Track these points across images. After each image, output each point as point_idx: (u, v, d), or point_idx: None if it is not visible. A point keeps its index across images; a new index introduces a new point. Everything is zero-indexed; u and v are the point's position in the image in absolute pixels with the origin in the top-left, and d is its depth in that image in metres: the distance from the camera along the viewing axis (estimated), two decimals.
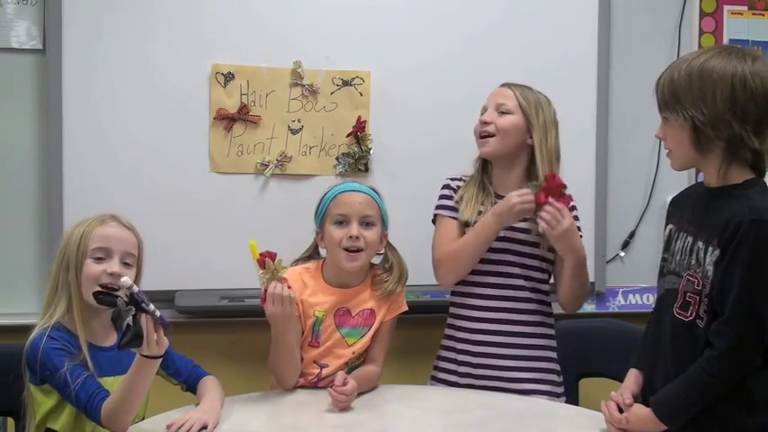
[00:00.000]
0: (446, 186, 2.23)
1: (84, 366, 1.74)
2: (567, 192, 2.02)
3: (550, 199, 1.99)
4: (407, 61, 2.60)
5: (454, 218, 2.17)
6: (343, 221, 2.02)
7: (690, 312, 1.63)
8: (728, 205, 1.60)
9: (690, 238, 1.67)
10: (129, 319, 1.59)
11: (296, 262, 2.12)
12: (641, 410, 1.68)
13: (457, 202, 2.17)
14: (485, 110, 2.16)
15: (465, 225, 2.14)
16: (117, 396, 1.68)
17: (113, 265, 1.80)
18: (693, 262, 1.64)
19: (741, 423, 1.59)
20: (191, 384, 1.90)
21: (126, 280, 1.62)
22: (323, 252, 2.12)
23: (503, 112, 2.11)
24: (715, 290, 1.58)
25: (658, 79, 1.69)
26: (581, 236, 2.11)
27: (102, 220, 1.85)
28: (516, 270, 2.11)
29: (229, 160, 2.51)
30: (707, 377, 1.58)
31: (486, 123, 2.12)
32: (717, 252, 1.58)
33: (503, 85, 2.18)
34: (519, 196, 2.01)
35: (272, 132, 2.54)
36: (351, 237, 2.00)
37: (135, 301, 1.58)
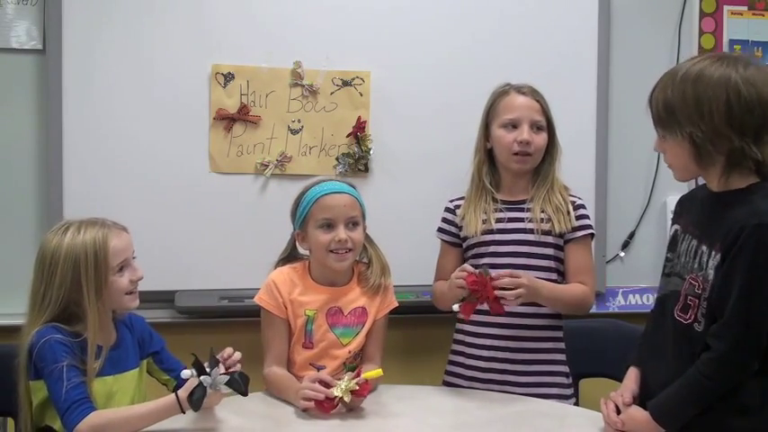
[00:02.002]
0: (446, 209, 2.25)
1: (81, 372, 1.72)
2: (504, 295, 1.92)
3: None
4: (407, 61, 2.60)
5: (449, 242, 2.22)
6: (329, 225, 2.01)
7: (689, 315, 1.64)
8: (733, 211, 1.59)
9: (694, 242, 1.67)
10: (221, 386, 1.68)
11: (277, 264, 2.12)
12: (637, 413, 1.68)
13: (461, 219, 2.19)
14: (513, 122, 2.12)
15: (471, 237, 2.15)
16: (117, 416, 1.68)
17: (137, 271, 1.85)
18: (696, 266, 1.64)
19: (733, 426, 1.59)
20: (181, 383, 1.90)
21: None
22: (302, 251, 2.12)
23: (538, 129, 2.12)
24: (715, 293, 1.58)
25: (651, 93, 1.67)
26: (592, 234, 2.15)
27: (101, 229, 1.80)
28: (532, 273, 2.07)
29: (229, 160, 2.51)
30: (704, 380, 1.58)
31: (527, 143, 2.10)
32: (718, 257, 1.58)
33: (528, 95, 2.13)
34: (454, 274, 1.98)
35: (272, 132, 2.54)
36: (339, 240, 1.99)
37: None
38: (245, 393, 1.72)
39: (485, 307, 1.96)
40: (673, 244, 1.77)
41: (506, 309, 1.95)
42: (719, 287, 1.57)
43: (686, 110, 1.58)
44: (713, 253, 1.60)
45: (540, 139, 2.12)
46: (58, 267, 1.76)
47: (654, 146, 1.72)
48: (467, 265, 2.00)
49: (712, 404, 1.58)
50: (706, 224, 1.66)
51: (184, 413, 1.69)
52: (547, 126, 2.14)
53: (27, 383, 1.78)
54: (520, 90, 2.15)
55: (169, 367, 1.96)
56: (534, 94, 2.15)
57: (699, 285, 1.62)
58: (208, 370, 1.68)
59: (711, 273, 1.59)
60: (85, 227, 1.80)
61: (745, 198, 1.59)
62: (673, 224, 1.81)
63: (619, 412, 1.72)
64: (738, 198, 1.60)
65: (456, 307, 1.98)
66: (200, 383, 1.66)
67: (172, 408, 1.68)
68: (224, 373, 1.70)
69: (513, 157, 2.13)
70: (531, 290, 1.96)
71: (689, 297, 1.64)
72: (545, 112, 2.14)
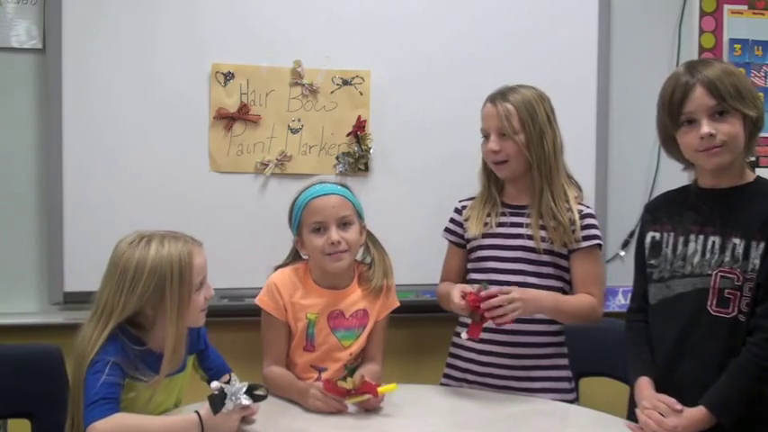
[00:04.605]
0: (454, 209, 2.25)
1: (124, 375, 1.72)
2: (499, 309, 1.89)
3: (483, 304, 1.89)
4: (408, 60, 2.59)
5: (454, 242, 2.22)
6: (320, 228, 2.01)
7: (731, 308, 1.67)
8: (761, 200, 1.69)
9: (715, 238, 1.71)
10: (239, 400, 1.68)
11: (277, 268, 2.12)
12: (695, 413, 1.66)
13: (465, 220, 2.18)
14: (486, 133, 2.12)
15: (473, 239, 2.15)
16: (137, 423, 1.67)
17: (210, 289, 1.86)
18: (728, 259, 1.69)
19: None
20: (214, 378, 1.89)
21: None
22: (304, 256, 2.11)
23: (506, 135, 2.07)
24: (762, 277, 1.64)
25: (704, 77, 1.70)
26: (599, 244, 2.10)
27: (185, 245, 1.79)
28: (531, 279, 2.07)
29: (229, 159, 2.51)
30: (762, 362, 1.62)
31: (495, 152, 2.09)
32: (762, 245, 1.65)
33: (495, 102, 2.09)
34: (453, 298, 1.96)
35: (272, 132, 2.53)
36: (332, 243, 1.99)
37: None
38: (264, 396, 1.72)
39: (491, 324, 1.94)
40: (654, 250, 1.80)
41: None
42: (767, 271, 1.64)
43: (746, 89, 1.70)
44: (754, 243, 1.66)
45: (508, 146, 2.07)
46: (142, 281, 1.73)
47: (704, 130, 1.70)
48: (465, 286, 1.97)
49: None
50: (729, 218, 1.71)
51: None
52: (524, 133, 2.06)
53: (81, 383, 1.73)
54: (492, 98, 2.12)
55: (208, 365, 1.97)
56: (504, 101, 2.08)
57: (738, 278, 1.67)
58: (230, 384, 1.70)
59: (757, 262, 1.65)
60: (168, 241, 1.78)
61: (763, 189, 1.72)
62: (647, 232, 1.86)
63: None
64: (757, 189, 1.72)
65: (464, 335, 1.96)
66: (222, 390, 1.67)
67: (193, 427, 1.66)
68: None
69: (492, 165, 2.13)
70: (528, 304, 1.92)
71: (726, 291, 1.68)
72: (511, 120, 2.06)
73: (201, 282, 1.82)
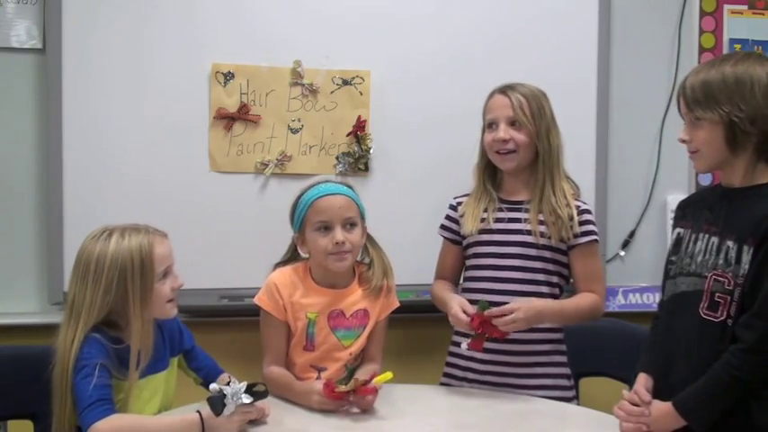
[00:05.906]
0: (449, 206, 2.24)
1: (111, 376, 1.72)
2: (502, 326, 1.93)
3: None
4: (408, 60, 2.60)
5: (449, 239, 2.22)
6: (325, 227, 2.00)
7: (720, 313, 1.63)
8: (760, 204, 1.62)
9: (715, 239, 1.68)
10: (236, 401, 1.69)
11: (277, 266, 2.12)
12: (661, 405, 1.65)
13: (460, 217, 2.18)
14: (493, 123, 2.11)
15: (469, 236, 2.14)
16: (137, 423, 1.68)
17: (178, 279, 1.84)
18: (721, 262, 1.65)
19: (763, 425, 1.59)
20: (208, 381, 1.89)
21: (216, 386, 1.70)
22: (303, 254, 2.11)
23: (518, 125, 2.08)
24: (747, 285, 1.59)
25: (683, 82, 1.71)
26: (596, 240, 2.11)
27: (146, 236, 1.78)
28: (529, 275, 2.07)
29: (229, 159, 2.51)
30: (733, 371, 1.57)
31: (504, 141, 2.08)
32: (752, 250, 1.60)
33: (505, 94, 2.11)
34: (455, 314, 1.98)
35: (272, 132, 2.54)
36: (336, 243, 1.98)
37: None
38: (265, 393, 1.73)
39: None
40: (676, 246, 1.79)
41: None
42: (752, 279, 1.59)
43: (726, 89, 1.62)
44: (745, 247, 1.61)
45: (521, 135, 2.08)
46: (104, 274, 1.73)
47: (680, 136, 1.72)
48: (466, 305, 1.98)
49: (743, 402, 1.58)
50: (727, 219, 1.67)
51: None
52: (534, 124, 2.08)
53: (65, 385, 1.73)
54: (501, 90, 2.13)
55: (197, 366, 1.97)
56: (514, 91, 2.10)
57: (729, 282, 1.63)
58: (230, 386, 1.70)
59: (746, 267, 1.60)
60: (129, 233, 1.78)
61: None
62: (675, 228, 1.83)
63: None
64: (763, 191, 1.64)
65: (464, 345, 1.98)
66: (221, 391, 1.67)
67: (194, 427, 1.67)
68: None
69: (496, 156, 2.12)
70: (530, 318, 1.95)
71: (717, 294, 1.64)
72: (524, 109, 2.07)
73: (166, 271, 1.81)
